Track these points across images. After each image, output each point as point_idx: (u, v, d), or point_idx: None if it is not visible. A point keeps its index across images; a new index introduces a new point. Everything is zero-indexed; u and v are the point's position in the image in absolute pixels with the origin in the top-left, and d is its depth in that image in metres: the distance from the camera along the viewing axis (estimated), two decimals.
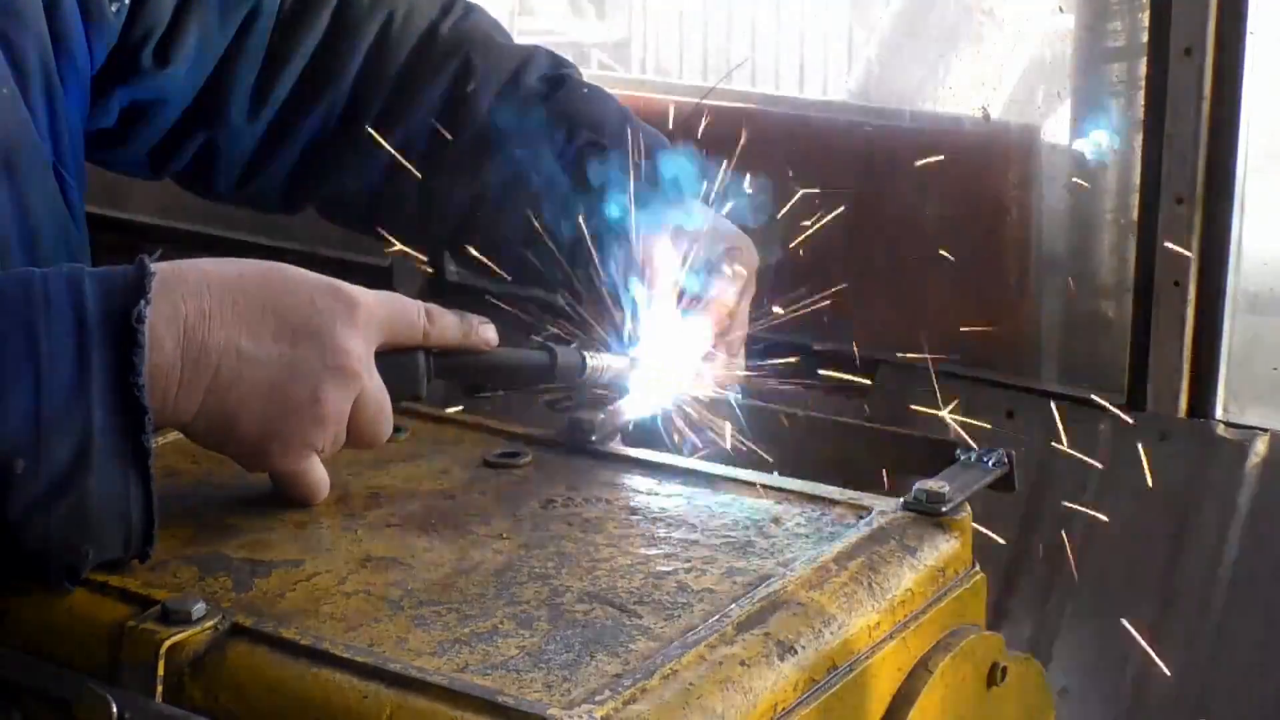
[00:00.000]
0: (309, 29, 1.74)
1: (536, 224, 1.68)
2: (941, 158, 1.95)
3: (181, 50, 1.69)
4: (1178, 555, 1.89)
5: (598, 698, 1.09)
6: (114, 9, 1.64)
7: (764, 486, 1.44)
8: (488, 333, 1.44)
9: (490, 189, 1.72)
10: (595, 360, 1.51)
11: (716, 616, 1.20)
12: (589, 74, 1.84)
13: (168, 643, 1.17)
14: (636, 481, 1.45)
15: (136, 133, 1.74)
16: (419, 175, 1.74)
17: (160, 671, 1.17)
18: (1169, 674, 1.87)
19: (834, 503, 1.40)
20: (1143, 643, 1.89)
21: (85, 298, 1.22)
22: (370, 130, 1.74)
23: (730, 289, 1.66)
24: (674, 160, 1.73)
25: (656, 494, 1.42)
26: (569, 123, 1.73)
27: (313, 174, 1.78)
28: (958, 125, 2.06)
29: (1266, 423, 1.90)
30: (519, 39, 1.84)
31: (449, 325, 1.41)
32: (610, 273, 1.65)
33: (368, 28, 1.76)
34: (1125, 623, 1.90)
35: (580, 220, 1.67)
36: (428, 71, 1.75)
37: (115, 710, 1.16)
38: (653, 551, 1.31)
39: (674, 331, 1.63)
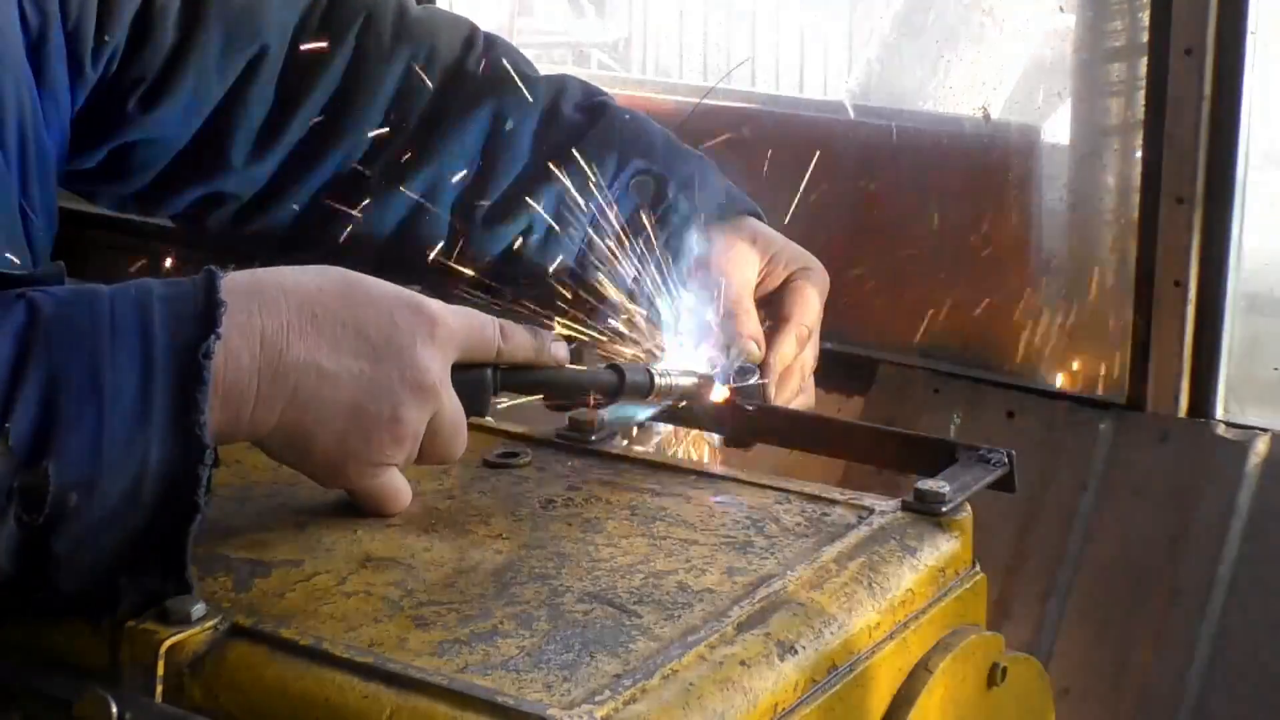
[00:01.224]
0: (324, 71, 1.70)
1: (590, 256, 1.67)
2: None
3: (172, 95, 1.64)
4: (1178, 555, 1.89)
5: (598, 698, 1.09)
6: (107, 51, 1.60)
7: (764, 486, 1.44)
8: (559, 351, 1.42)
9: (537, 225, 1.70)
10: (663, 380, 1.50)
11: (716, 616, 1.20)
12: (589, 74, 1.84)
13: (168, 643, 1.17)
14: (636, 481, 1.45)
15: (125, 172, 1.70)
16: (445, 218, 1.72)
17: (160, 671, 1.16)
18: (1169, 674, 1.87)
19: (834, 503, 1.40)
20: (1143, 643, 1.89)
21: (153, 326, 1.19)
22: (393, 174, 1.70)
23: (810, 310, 1.66)
24: (728, 181, 1.73)
25: (656, 494, 1.42)
26: (618, 152, 1.71)
27: (324, 218, 1.74)
28: (958, 125, 2.06)
29: (1266, 423, 1.90)
30: (519, 39, 1.84)
31: (522, 343, 1.39)
32: (680, 296, 1.64)
33: (390, 70, 1.72)
34: (1125, 623, 1.90)
35: (639, 248, 1.66)
36: (458, 113, 1.72)
37: (115, 710, 1.16)
38: (653, 551, 1.31)
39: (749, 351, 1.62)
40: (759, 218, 1.73)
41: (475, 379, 1.36)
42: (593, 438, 1.51)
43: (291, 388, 1.25)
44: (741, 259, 1.66)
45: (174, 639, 1.17)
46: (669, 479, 1.45)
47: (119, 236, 2.48)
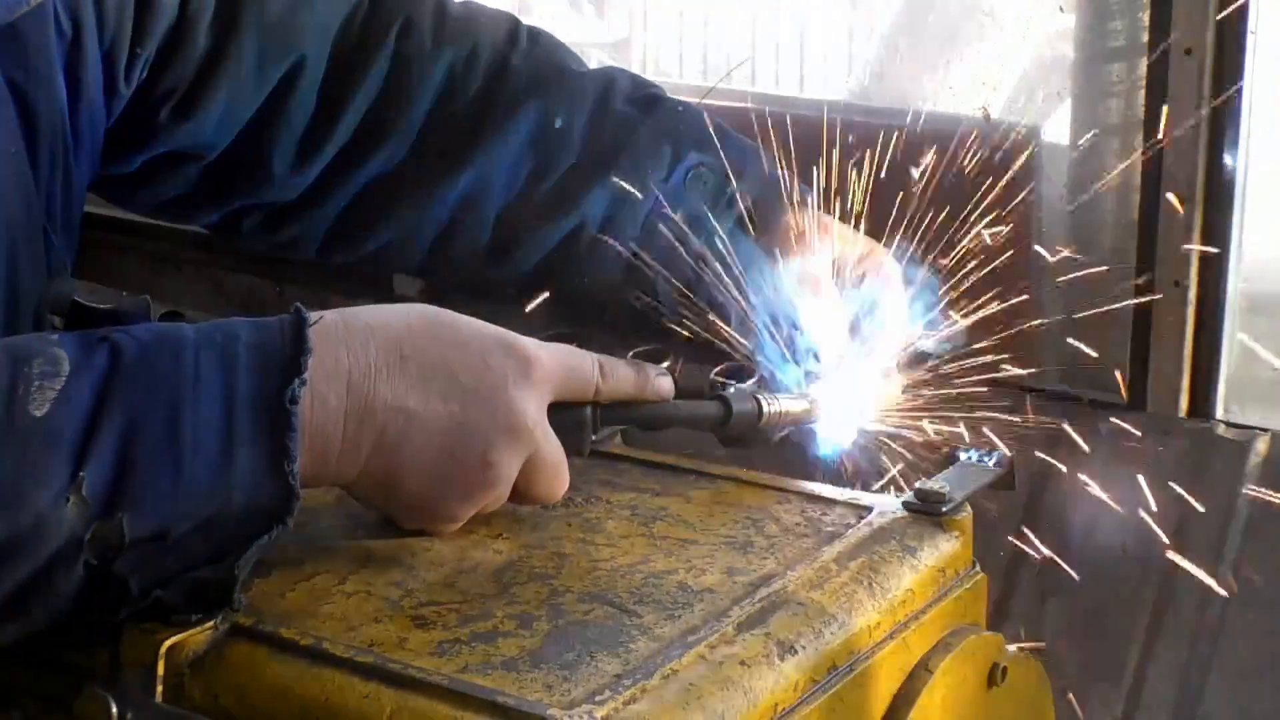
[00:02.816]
0: (365, 76, 1.67)
1: (647, 253, 1.63)
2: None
3: (204, 106, 1.62)
4: (1177, 555, 1.89)
5: (598, 698, 1.09)
6: (139, 64, 1.58)
7: (764, 486, 1.44)
8: (663, 385, 1.38)
9: (590, 220, 1.66)
10: (772, 407, 1.44)
11: (716, 616, 1.20)
12: None
13: (168, 643, 1.17)
14: (636, 481, 1.45)
15: (159, 182, 1.69)
16: (491, 220, 1.69)
17: (160, 671, 1.17)
18: (1169, 674, 1.87)
19: (834, 503, 1.40)
20: (1143, 643, 1.89)
21: (237, 375, 1.17)
22: (436, 176, 1.68)
23: (901, 305, 1.60)
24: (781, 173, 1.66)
25: (656, 494, 1.42)
26: (672, 144, 1.67)
27: (363, 220, 1.72)
28: (958, 125, 2.06)
29: (1266, 423, 1.90)
30: None
31: (623, 379, 1.36)
32: (758, 301, 1.57)
33: (432, 72, 1.69)
34: (1125, 623, 1.90)
35: (704, 243, 1.60)
36: (503, 112, 1.68)
37: (115, 710, 1.16)
38: (653, 551, 1.31)
39: (853, 361, 1.55)
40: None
41: (574, 418, 1.33)
42: (593, 438, 1.51)
43: (379, 431, 1.23)
44: (821, 259, 1.60)
45: (174, 639, 1.17)
46: (669, 479, 1.45)
47: (118, 236, 2.48)
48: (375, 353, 1.23)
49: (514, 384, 1.26)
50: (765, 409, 1.43)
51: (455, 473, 1.26)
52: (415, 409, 1.24)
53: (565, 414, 1.32)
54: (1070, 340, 2.04)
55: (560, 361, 1.31)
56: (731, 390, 1.45)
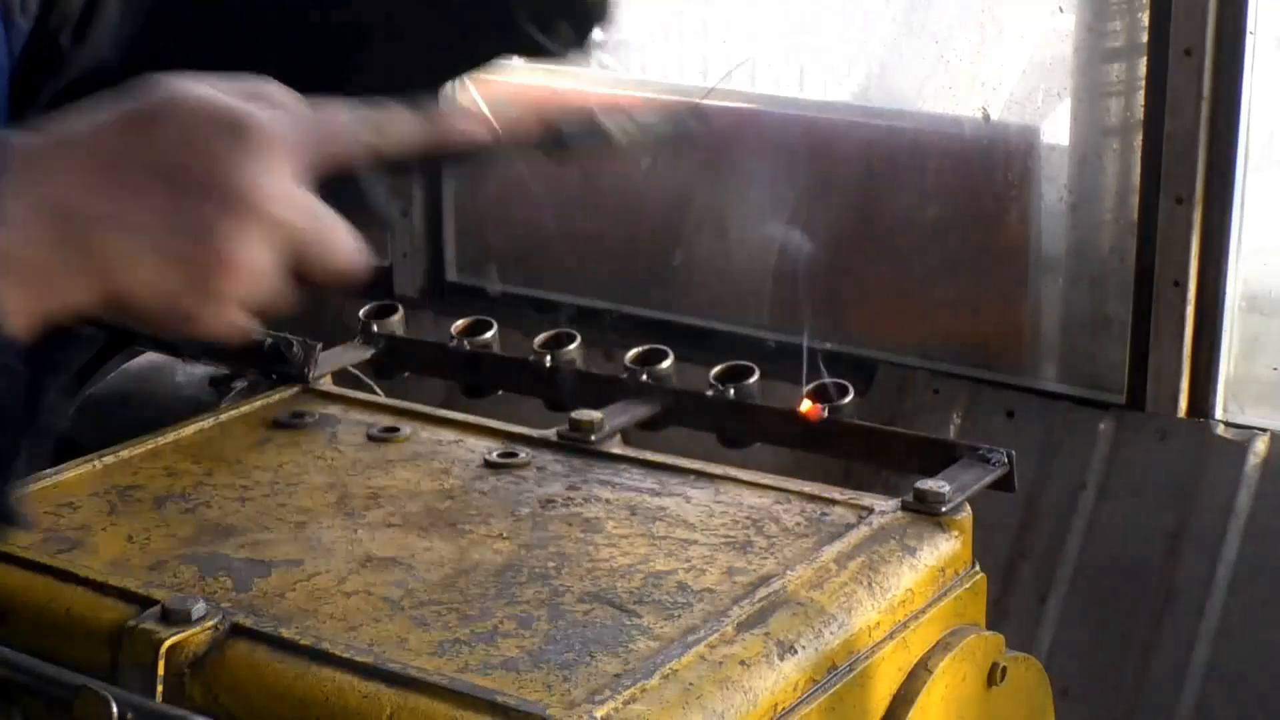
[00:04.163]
0: None
1: None
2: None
3: (100, 23, 1.59)
4: (1177, 555, 1.89)
5: (598, 698, 1.09)
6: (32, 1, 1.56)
7: (764, 486, 1.44)
8: (468, 123, 1.11)
9: None
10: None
11: (716, 616, 1.20)
12: (589, 74, 1.82)
13: (168, 643, 1.17)
14: (636, 481, 1.45)
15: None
16: None
17: (160, 671, 1.17)
18: (1168, 674, 1.87)
19: (834, 503, 1.40)
20: (1142, 643, 1.89)
21: None
22: None
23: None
24: None
25: (656, 494, 1.42)
26: None
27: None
28: (958, 125, 2.06)
29: (1266, 423, 1.90)
30: None
31: (402, 122, 1.12)
32: None
33: None
34: (1125, 623, 1.90)
35: None
36: None
37: (115, 710, 1.16)
38: (653, 551, 1.31)
39: None
40: None
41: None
42: (592, 438, 1.51)
43: (99, 253, 1.09)
44: None
45: (174, 639, 1.17)
46: (669, 479, 1.45)
47: None
48: (78, 168, 1.11)
49: (233, 160, 1.10)
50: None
51: (192, 276, 1.10)
52: (129, 218, 1.09)
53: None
54: (1069, 340, 2.05)
55: (292, 120, 1.13)
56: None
